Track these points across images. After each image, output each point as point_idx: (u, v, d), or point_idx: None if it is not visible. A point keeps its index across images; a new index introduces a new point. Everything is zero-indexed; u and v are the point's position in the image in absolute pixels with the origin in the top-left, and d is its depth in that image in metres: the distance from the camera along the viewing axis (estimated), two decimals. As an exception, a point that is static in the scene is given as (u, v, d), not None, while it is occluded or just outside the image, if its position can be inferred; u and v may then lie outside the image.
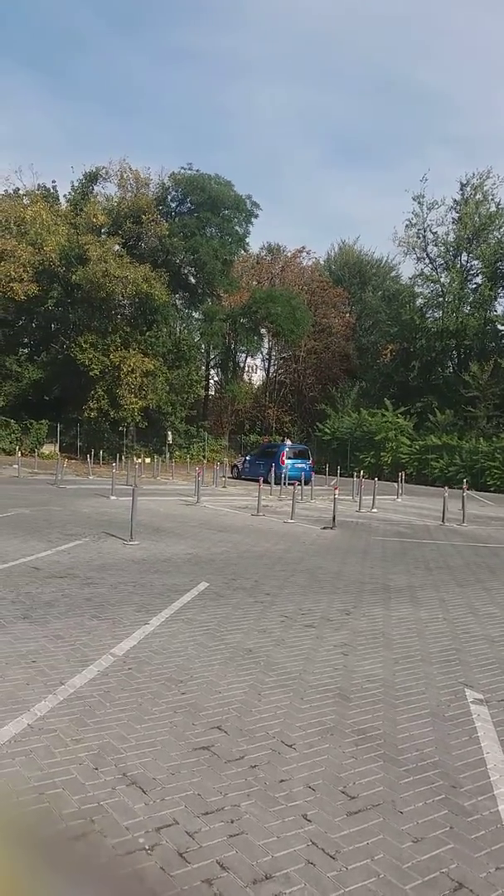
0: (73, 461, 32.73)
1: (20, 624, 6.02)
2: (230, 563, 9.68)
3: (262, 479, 19.14)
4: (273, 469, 25.50)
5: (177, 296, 41.91)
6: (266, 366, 56.00)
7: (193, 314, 45.16)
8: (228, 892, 2.55)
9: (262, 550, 11.06)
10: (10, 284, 35.61)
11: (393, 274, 54.65)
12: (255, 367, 57.35)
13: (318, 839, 2.94)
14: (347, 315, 53.01)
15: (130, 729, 3.95)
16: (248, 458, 30.87)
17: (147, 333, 37.80)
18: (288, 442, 31.01)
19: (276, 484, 24.03)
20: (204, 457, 39.86)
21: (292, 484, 21.31)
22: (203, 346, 44.90)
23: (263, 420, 50.45)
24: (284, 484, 23.81)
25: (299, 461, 26.76)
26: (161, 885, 2.56)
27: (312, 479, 24.88)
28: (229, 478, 27.99)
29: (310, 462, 27.50)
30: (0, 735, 3.76)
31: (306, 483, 23.37)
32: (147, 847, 2.80)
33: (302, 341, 45.31)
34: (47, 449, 36.05)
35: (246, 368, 54.68)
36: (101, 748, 3.68)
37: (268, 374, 55.78)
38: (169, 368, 38.59)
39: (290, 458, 26.74)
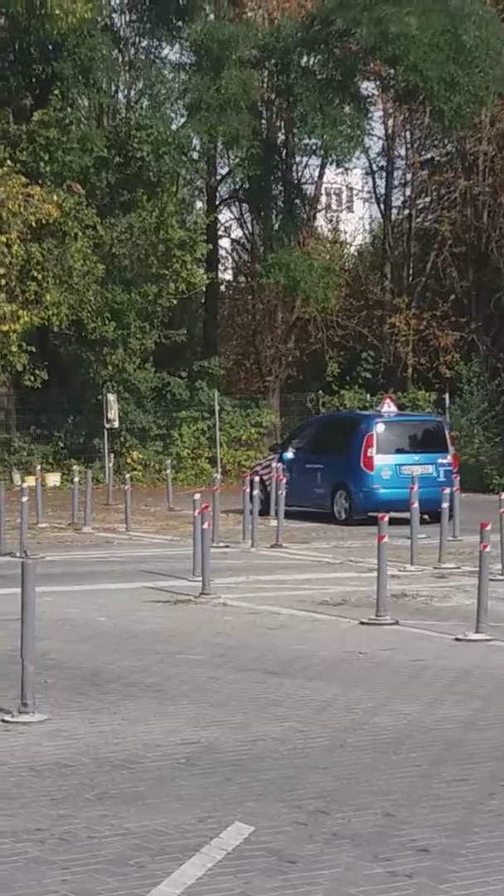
0: None
1: None
2: (310, 766, 3.86)
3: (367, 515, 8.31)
4: (340, 480, 13.32)
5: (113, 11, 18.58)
6: (384, 191, 23.64)
7: (162, 53, 20.52)
8: None
9: (400, 725, 4.55)
10: None
11: None
12: (347, 196, 25.44)
13: None
14: None
15: None
16: (282, 455, 15.23)
17: (38, 115, 16.94)
18: (386, 407, 15.70)
19: (345, 516, 13.00)
20: (211, 458, 19.79)
21: (392, 514, 9.78)
22: (196, 141, 19.65)
23: (382, 342, 22.55)
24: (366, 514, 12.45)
25: (418, 455, 13.59)
26: None
27: (458, 500, 12.16)
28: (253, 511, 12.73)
29: (450, 456, 13.90)
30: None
31: (448, 514, 10.96)
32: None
33: (483, 110, 18.74)
34: None
35: (320, 199, 23.70)
36: None
37: (387, 215, 23.81)
38: (104, 216, 18.43)
39: (385, 448, 13.40)
